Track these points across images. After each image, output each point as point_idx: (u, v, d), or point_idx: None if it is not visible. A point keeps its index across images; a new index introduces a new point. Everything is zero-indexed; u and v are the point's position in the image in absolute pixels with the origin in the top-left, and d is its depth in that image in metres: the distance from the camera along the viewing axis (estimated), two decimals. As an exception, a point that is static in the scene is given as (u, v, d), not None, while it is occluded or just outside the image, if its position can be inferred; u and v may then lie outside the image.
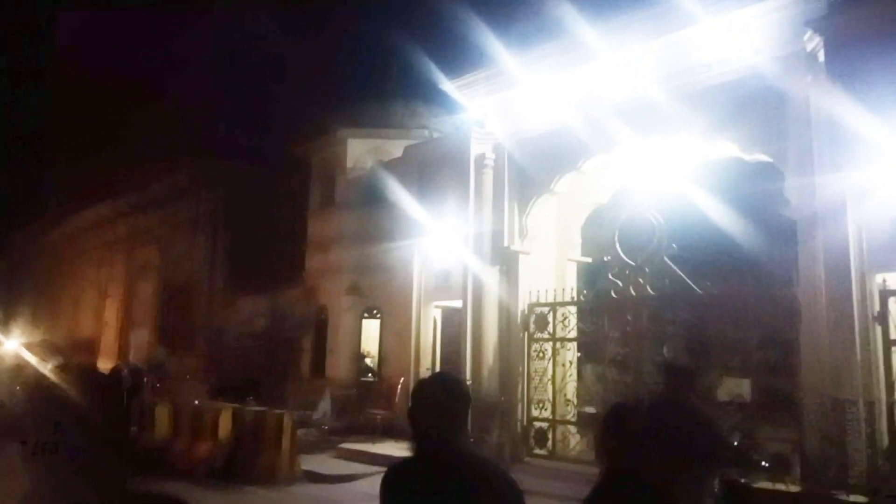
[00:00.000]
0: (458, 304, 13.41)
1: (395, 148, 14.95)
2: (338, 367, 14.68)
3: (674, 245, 10.40)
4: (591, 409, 11.65)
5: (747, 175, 10.78)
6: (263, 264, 17.13)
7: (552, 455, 11.40)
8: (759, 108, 9.43)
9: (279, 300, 16.09)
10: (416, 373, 13.49)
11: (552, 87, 11.88)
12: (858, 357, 7.89)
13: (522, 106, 12.46)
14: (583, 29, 11.00)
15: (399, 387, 13.25)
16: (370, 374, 14.68)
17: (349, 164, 15.26)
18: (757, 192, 10.32)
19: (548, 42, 11.75)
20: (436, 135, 15.08)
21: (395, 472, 2.45)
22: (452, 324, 13.85)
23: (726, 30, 9.72)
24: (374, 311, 14.97)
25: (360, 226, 14.93)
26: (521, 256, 12.43)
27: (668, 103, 10.23)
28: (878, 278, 8.03)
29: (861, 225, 8.03)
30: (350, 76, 21.03)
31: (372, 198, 14.98)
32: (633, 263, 10.76)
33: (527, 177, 12.38)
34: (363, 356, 14.82)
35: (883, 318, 7.92)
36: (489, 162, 12.74)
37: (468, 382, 12.00)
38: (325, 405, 13.91)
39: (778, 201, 9.60)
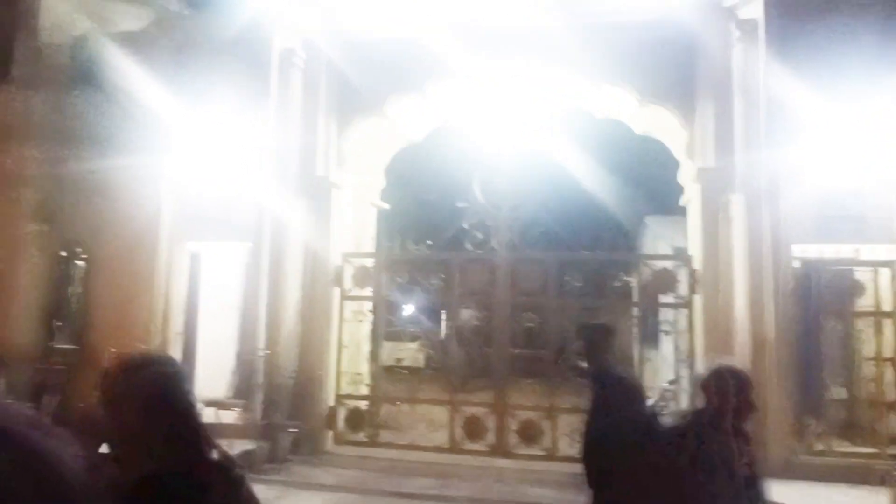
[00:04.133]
0: (231, 245, 10.05)
1: (122, 18, 10.37)
2: (12, 323, 9.68)
3: (548, 204, 9.08)
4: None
5: (629, 135, 9.98)
6: None
7: (373, 441, 9.19)
8: (664, 57, 8.67)
9: None
10: (165, 339, 9.65)
11: (403, -18, 9.36)
12: (774, 329, 7.76)
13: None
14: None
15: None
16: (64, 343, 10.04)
17: (44, 22, 10.04)
18: (640, 153, 9.67)
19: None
20: (187, 11, 10.91)
21: None
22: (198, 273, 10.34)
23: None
24: (77, 250, 10.27)
25: (61, 120, 9.99)
26: (334, 191, 9.69)
27: (556, 32, 8.81)
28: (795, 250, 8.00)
29: (786, 195, 7.86)
30: None
31: (84, 81, 10.18)
32: (497, 214, 9.12)
33: (350, 89, 9.65)
34: (62, 312, 10.05)
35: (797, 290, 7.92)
36: (299, 62, 9.57)
37: (263, 352, 8.99)
38: (-4, 388, 9.02)
39: (663, 165, 9.09)
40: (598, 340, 4.08)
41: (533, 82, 9.44)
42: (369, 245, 10.58)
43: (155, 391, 1.70)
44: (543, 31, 8.90)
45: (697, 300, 8.49)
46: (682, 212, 13.46)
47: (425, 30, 9.13)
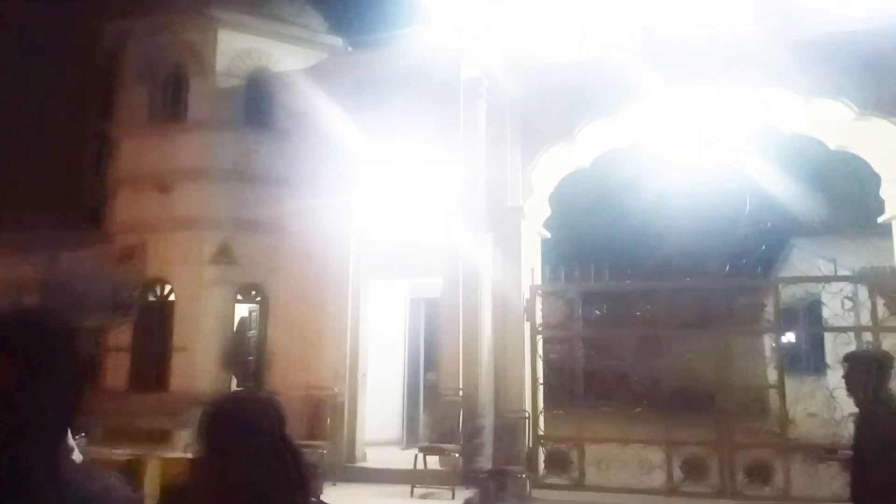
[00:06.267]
0: (402, 283, 9.80)
1: (291, 58, 10.32)
2: (193, 374, 9.45)
3: (768, 223, 8.61)
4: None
5: (813, 151, 9.51)
6: (22, 201, 10.40)
7: (579, 485, 8.64)
8: (886, 68, 8.22)
9: (62, 263, 9.94)
10: (353, 382, 9.33)
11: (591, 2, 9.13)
12: None
13: (534, 22, 9.39)
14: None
15: (335, 404, 8.94)
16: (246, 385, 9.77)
17: (220, 65, 10.02)
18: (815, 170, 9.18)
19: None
20: (350, 48, 10.85)
21: None
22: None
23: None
24: (253, 293, 10.08)
25: (238, 161, 9.92)
26: (523, 222, 9.35)
27: (762, 47, 8.44)
28: None
29: None
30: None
31: (259, 121, 10.15)
32: (706, 240, 8.67)
33: (534, 117, 9.37)
34: (243, 356, 9.81)
35: None
36: (484, 91, 9.35)
37: (461, 391, 8.59)
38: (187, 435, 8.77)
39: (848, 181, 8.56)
40: (869, 371, 3.53)
41: (731, 100, 9.04)
42: (536, 276, 10.17)
43: (231, 432, 1.72)
44: (742, 47, 8.55)
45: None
46: (837, 231, 12.82)
47: (615, 50, 8.84)
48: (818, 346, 12.33)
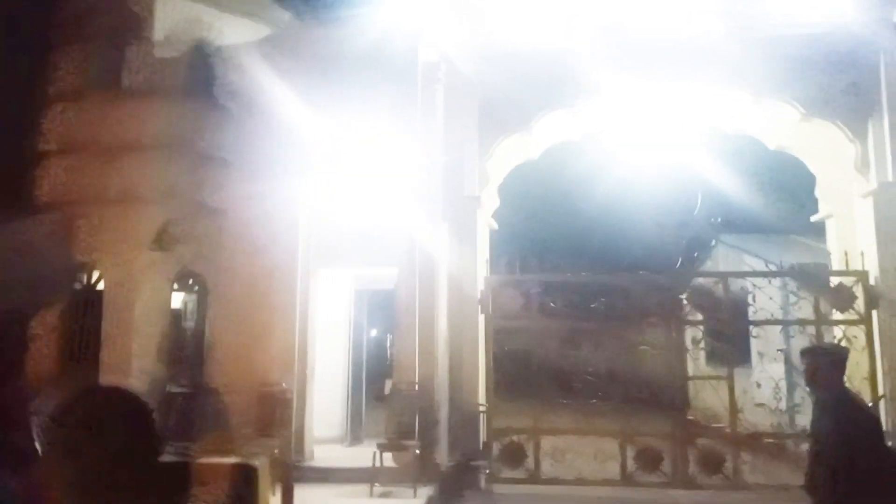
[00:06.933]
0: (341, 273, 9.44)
1: (233, 28, 9.71)
2: (126, 364, 8.74)
3: (718, 218, 8.81)
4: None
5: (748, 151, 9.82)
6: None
7: (534, 478, 8.58)
8: (831, 72, 8.57)
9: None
10: (301, 377, 8.89)
11: (553, -6, 9.06)
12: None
13: (494, 9, 9.23)
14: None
15: (284, 400, 8.48)
16: (179, 384, 9.10)
17: (158, 32, 9.27)
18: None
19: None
20: (301, 25, 10.30)
21: None
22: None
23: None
24: (190, 281, 9.42)
25: (177, 133, 9.22)
26: (479, 212, 9.19)
27: (714, 46, 8.62)
28: None
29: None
30: None
31: (199, 95, 9.47)
32: (662, 233, 8.78)
33: (493, 106, 9.21)
34: (178, 350, 9.13)
35: None
36: (442, 77, 9.11)
37: (417, 385, 8.37)
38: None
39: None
40: (827, 365, 3.70)
41: (686, 97, 9.19)
42: (484, 268, 10.06)
43: (79, 431, 1.49)
44: (699, 46, 8.70)
45: (875, 317, 8.29)
46: (763, 229, 13.35)
47: (576, 43, 8.81)
48: (744, 340, 12.86)
